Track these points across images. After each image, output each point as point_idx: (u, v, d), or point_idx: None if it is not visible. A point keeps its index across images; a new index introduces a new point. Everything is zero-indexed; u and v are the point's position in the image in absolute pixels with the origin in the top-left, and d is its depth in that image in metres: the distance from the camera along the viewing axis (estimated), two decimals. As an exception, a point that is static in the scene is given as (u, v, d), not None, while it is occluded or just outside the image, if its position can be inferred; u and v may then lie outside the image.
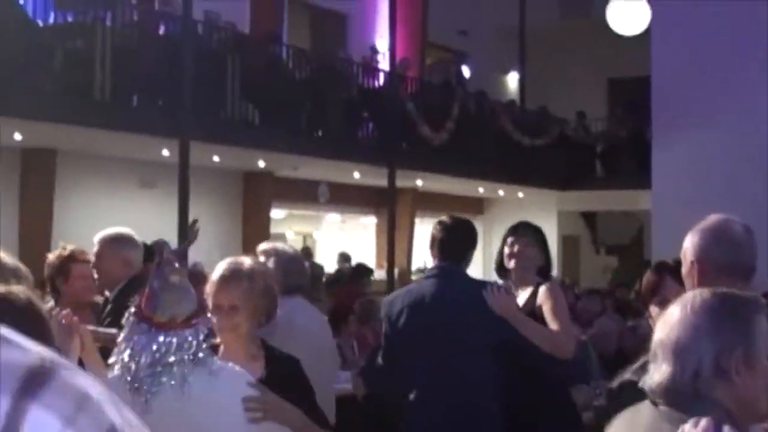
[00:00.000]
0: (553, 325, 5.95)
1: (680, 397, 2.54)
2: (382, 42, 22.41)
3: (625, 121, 24.96)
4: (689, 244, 3.98)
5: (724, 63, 21.67)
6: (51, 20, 14.71)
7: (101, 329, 5.31)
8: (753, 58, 21.25)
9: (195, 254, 8.93)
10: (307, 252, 19.35)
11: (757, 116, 20.74)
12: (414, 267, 22.67)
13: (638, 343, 6.51)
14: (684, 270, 3.93)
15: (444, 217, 6.21)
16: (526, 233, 6.40)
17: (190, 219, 4.31)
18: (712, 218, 4.13)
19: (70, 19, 14.85)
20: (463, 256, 6.11)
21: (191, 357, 3.74)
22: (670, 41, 22.39)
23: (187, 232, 5.53)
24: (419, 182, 22.06)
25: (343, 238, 24.36)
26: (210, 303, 4.22)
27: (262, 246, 5.83)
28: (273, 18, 20.35)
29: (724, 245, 3.91)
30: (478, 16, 26.21)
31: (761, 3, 20.71)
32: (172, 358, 3.72)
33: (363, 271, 16.46)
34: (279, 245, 5.99)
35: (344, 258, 20.60)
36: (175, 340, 3.75)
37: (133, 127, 14.86)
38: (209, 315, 4.18)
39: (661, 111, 22.89)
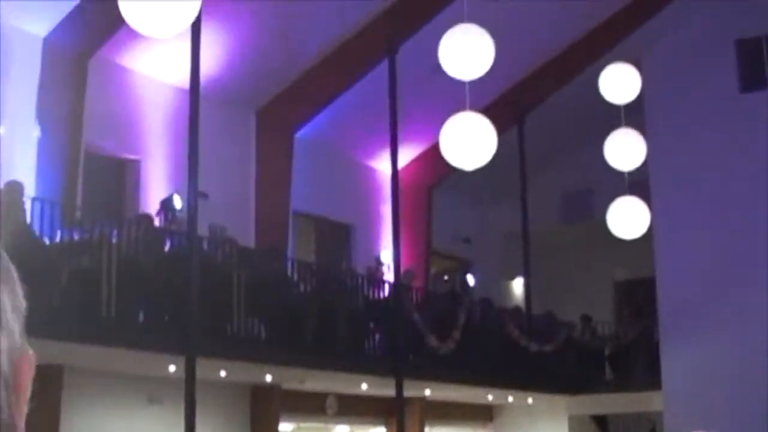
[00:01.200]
0: None
1: None
2: (387, 252, 22.53)
3: (632, 322, 24.91)
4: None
5: (727, 261, 21.75)
6: (58, 238, 14.84)
7: None
8: (755, 254, 21.35)
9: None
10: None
11: (762, 311, 20.70)
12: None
13: None
14: None
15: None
16: None
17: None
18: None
19: (76, 237, 14.97)
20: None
21: None
22: (673, 242, 22.53)
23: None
24: (427, 391, 21.89)
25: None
26: None
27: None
28: (278, 231, 20.52)
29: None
30: (482, 224, 26.44)
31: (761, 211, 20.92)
32: None
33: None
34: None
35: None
36: None
37: (139, 344, 14.82)
38: None
39: (668, 312, 22.91)
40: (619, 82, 16.02)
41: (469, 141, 11.95)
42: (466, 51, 11.89)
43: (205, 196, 17.07)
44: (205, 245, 16.72)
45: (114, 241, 14.98)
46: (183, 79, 16.99)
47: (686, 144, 23.26)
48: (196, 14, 8.18)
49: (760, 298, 21.20)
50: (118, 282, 14.60)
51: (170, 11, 7.97)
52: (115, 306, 14.60)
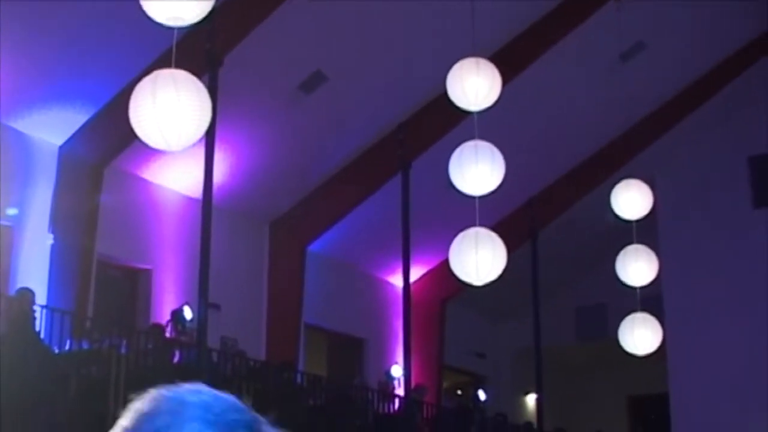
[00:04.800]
0: None
1: None
2: (399, 367, 22.42)
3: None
4: None
5: (742, 379, 21.61)
6: (67, 348, 14.83)
7: None
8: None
9: None
10: None
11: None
12: None
13: None
14: None
15: None
16: None
17: None
18: None
19: (86, 346, 14.96)
20: None
21: None
22: (686, 358, 22.41)
23: None
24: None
25: None
26: None
27: None
28: (290, 344, 20.46)
29: None
30: (495, 339, 26.35)
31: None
32: None
33: None
34: None
35: None
36: None
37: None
38: None
39: (682, 428, 22.70)
40: (631, 199, 16.09)
41: (478, 257, 11.95)
42: (477, 168, 11.96)
43: (216, 307, 17.07)
44: (215, 357, 16.67)
45: (123, 351, 14.96)
46: (196, 189, 17.10)
47: (699, 260, 23.25)
48: (205, 130, 8.25)
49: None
50: (126, 393, 14.53)
51: (180, 126, 8.05)
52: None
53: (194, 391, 1.38)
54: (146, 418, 1.30)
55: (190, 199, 18.55)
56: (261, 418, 1.37)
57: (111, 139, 16.79)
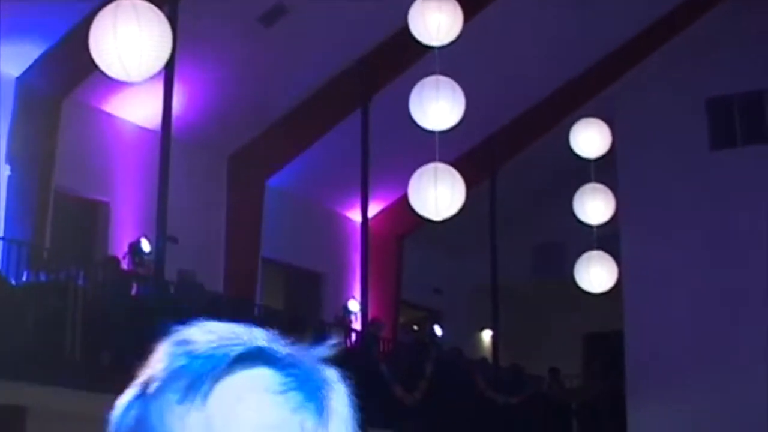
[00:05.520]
0: None
1: None
2: (356, 302, 22.51)
3: (600, 376, 24.91)
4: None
5: (696, 317, 21.81)
6: (24, 279, 14.78)
7: None
8: (725, 310, 21.43)
9: None
10: None
11: (731, 367, 20.73)
12: None
13: None
14: None
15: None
16: None
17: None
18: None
19: (43, 278, 14.92)
20: None
21: None
22: (642, 296, 22.60)
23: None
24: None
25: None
26: None
27: None
28: (247, 278, 20.48)
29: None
30: (452, 276, 26.47)
31: (730, 267, 21.04)
32: None
33: None
34: None
35: None
36: None
37: (103, 387, 14.71)
38: None
39: (635, 367, 22.93)
40: (590, 138, 16.16)
41: (437, 192, 11.99)
42: (437, 103, 11.96)
43: (174, 240, 17.05)
44: (172, 290, 16.67)
45: (81, 283, 14.93)
46: (155, 121, 17.03)
47: (656, 199, 23.38)
48: (166, 60, 8.21)
49: (730, 354, 21.26)
50: (84, 324, 14.53)
51: (141, 57, 8.00)
52: (80, 348, 14.52)
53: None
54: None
55: (149, 132, 18.45)
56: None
57: (70, 70, 16.66)
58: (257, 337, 1.22)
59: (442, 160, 12.51)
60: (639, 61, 23.60)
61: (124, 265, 16.88)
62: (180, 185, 17.06)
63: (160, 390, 1.11)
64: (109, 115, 18.76)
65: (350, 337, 21.19)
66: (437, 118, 12.11)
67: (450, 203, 12.14)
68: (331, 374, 1.29)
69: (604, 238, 17.67)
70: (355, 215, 22.95)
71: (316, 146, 20.92)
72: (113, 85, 15.52)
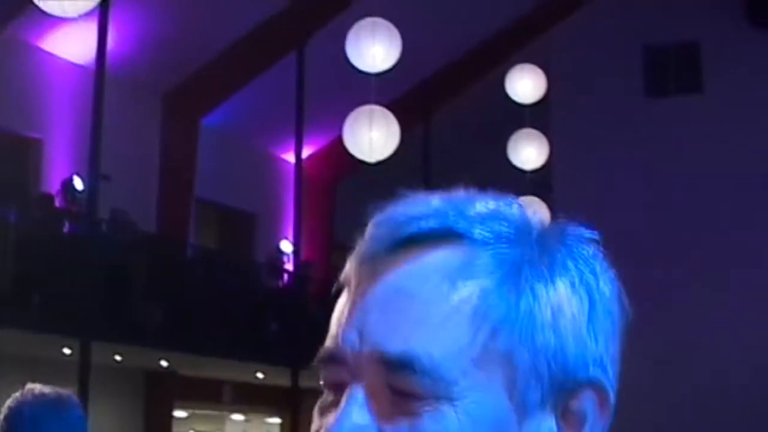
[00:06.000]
0: None
1: None
2: (289, 243, 22.54)
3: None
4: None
5: (627, 263, 22.02)
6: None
7: None
8: (657, 256, 21.68)
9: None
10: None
11: (653, 321, 20.98)
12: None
13: None
14: None
15: None
16: None
17: (90, 419, 4.23)
18: None
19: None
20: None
21: None
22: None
23: None
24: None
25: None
26: None
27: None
28: (181, 218, 20.41)
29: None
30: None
31: (662, 213, 21.25)
32: None
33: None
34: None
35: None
36: None
37: (33, 325, 14.67)
38: None
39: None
40: (525, 83, 16.23)
41: (372, 134, 12.01)
42: (373, 45, 11.95)
43: (107, 178, 16.93)
44: (105, 228, 16.59)
45: (13, 220, 14.82)
46: (90, 59, 16.86)
47: (590, 146, 23.54)
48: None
49: (655, 307, 21.53)
50: (15, 262, 14.45)
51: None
52: (11, 287, 14.44)
53: None
54: None
55: (84, 69, 18.26)
56: None
57: (4, 6, 16.44)
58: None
59: (377, 102, 12.53)
60: (576, 7, 23.67)
61: (57, 203, 16.77)
62: (114, 123, 16.92)
63: None
64: (43, 51, 18.54)
65: (282, 277, 21.24)
66: (373, 61, 12.11)
67: (384, 146, 12.18)
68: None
69: (537, 183, 17.80)
70: (290, 156, 22.92)
71: (252, 86, 20.81)
72: (48, 21, 15.37)
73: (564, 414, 1.00)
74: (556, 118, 23.14)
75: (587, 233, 1.08)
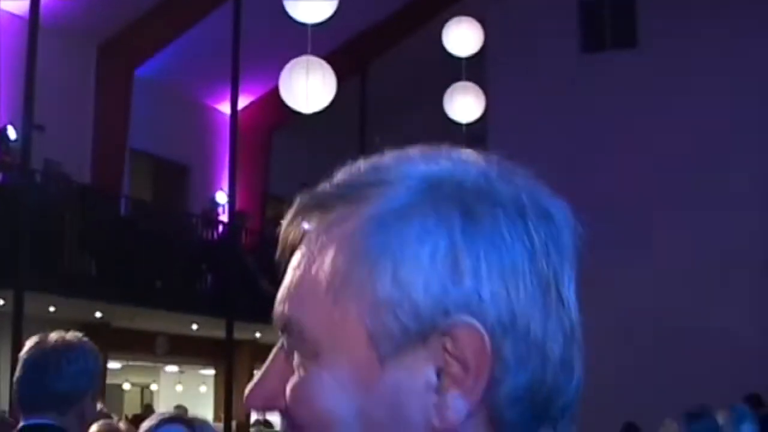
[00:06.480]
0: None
1: None
2: (223, 194, 22.48)
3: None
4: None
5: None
6: None
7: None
8: (593, 209, 21.79)
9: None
10: (148, 408, 19.10)
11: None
12: (252, 419, 22.42)
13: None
14: None
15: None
16: None
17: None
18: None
19: None
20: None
21: None
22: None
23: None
24: (258, 334, 21.94)
25: (182, 390, 24.01)
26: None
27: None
28: (115, 169, 20.28)
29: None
30: (321, 170, 26.48)
31: (597, 170, 21.41)
32: None
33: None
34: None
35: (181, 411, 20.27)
36: None
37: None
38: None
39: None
40: (462, 35, 16.22)
41: (308, 84, 11.98)
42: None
43: (41, 128, 16.77)
44: (38, 179, 16.46)
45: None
46: (24, 8, 16.64)
47: (526, 100, 23.63)
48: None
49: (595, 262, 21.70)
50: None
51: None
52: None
53: None
54: None
55: (17, 18, 18.03)
56: None
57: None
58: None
59: (314, 53, 12.48)
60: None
61: (-11, 153, 16.60)
62: (48, 73, 16.74)
63: None
64: (-27, -2, 18.28)
65: (217, 229, 21.19)
66: (310, 11, 12.06)
67: (320, 96, 12.16)
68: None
69: (473, 136, 17.84)
70: (225, 107, 22.80)
71: (187, 37, 20.66)
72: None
73: (442, 364, 0.99)
74: (493, 71, 23.18)
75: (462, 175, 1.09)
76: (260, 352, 22.99)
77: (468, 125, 17.14)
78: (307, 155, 26.11)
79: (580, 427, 1.08)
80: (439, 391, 0.98)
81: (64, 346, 3.84)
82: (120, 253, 17.34)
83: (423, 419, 0.98)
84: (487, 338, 0.97)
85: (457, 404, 0.98)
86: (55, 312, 17.85)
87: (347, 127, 23.84)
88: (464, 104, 16.70)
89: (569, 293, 1.05)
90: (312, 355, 1.02)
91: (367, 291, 1.01)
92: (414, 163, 1.11)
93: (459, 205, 1.03)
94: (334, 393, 1.00)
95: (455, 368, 0.98)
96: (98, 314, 18.48)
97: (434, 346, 0.98)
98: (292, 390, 1.03)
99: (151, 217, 19.53)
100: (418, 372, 0.99)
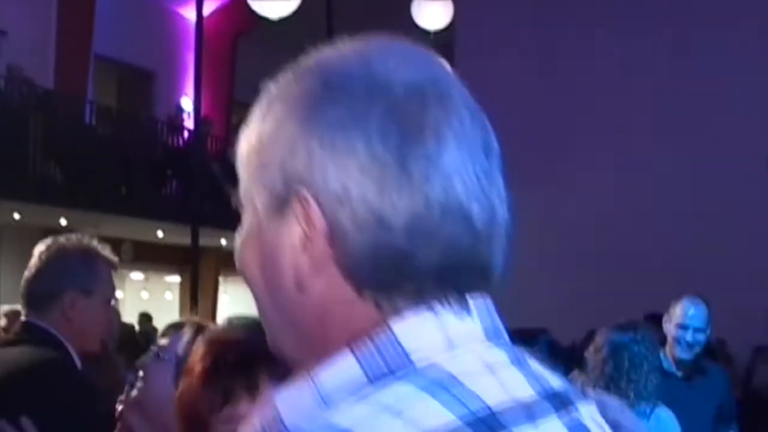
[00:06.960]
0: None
1: None
2: (189, 100, 22.35)
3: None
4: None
5: (530, 134, 22.16)
6: None
7: None
8: (560, 124, 21.81)
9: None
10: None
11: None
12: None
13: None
14: None
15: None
16: None
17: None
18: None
19: None
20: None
21: None
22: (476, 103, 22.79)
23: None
24: (223, 241, 21.94)
25: (147, 297, 24.06)
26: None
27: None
28: (79, 75, 20.10)
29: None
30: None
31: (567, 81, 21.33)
32: None
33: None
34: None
35: (146, 318, 20.32)
36: None
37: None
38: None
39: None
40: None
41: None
42: None
43: (3, 33, 16.60)
44: (1, 85, 16.31)
45: None
46: None
47: (494, 8, 23.45)
48: None
49: (541, 158, 21.70)
50: None
51: None
52: None
53: None
54: None
55: None
56: None
57: None
58: None
59: (280, -42, 12.38)
60: None
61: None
62: (9, -24, 16.53)
63: None
64: None
65: (182, 135, 21.09)
66: None
67: (287, 2, 12.06)
68: None
69: (440, 44, 17.73)
70: (190, 13, 22.58)
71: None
72: None
73: (296, 227, 1.13)
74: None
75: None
76: (226, 258, 22.95)
77: (436, 33, 17.05)
78: (274, 62, 25.95)
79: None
80: (294, 248, 1.13)
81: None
82: (84, 160, 17.24)
83: (289, 273, 1.14)
84: (314, 206, 1.12)
85: (304, 259, 1.13)
86: (19, 219, 17.80)
87: (313, 32, 23.64)
88: (432, 11, 16.61)
89: (429, 170, 1.13)
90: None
91: (262, 155, 1.20)
92: (324, 54, 1.29)
93: (310, 94, 1.21)
94: (246, 243, 1.21)
95: (302, 230, 1.13)
96: (63, 221, 18.43)
97: (290, 211, 1.14)
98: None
99: (116, 124, 19.39)
100: (283, 231, 1.15)
